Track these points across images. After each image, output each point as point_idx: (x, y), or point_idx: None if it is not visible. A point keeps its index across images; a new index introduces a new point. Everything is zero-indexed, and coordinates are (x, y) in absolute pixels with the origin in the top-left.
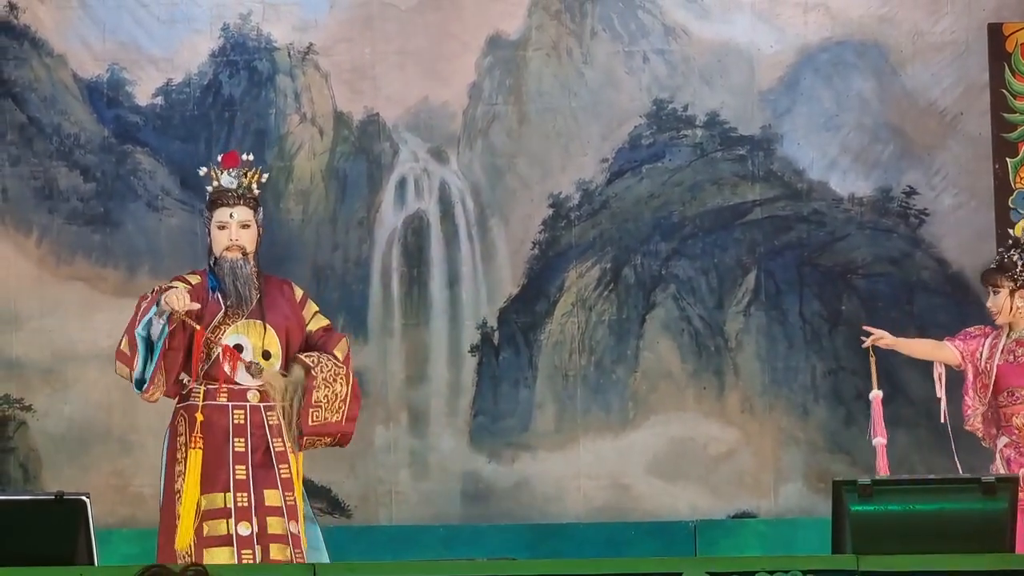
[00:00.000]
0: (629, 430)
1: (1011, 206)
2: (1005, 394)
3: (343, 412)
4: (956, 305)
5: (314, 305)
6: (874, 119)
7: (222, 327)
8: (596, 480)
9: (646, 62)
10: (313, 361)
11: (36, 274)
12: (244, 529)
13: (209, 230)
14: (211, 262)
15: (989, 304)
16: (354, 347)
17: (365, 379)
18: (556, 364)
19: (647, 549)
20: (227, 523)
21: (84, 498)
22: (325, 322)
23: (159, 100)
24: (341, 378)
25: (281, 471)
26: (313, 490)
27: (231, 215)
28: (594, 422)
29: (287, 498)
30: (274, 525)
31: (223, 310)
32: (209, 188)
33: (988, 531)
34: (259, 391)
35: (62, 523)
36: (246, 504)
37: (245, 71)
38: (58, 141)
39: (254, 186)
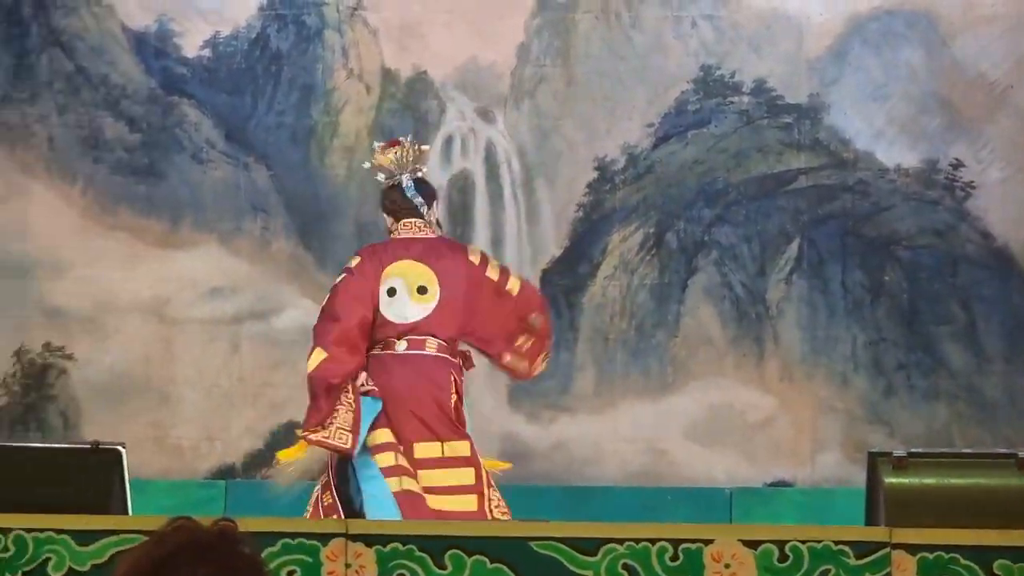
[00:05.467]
0: (668, 395)
1: None
2: None
3: None
4: (1000, 279)
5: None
6: (922, 90)
7: None
8: (633, 444)
9: (694, 27)
10: None
11: (80, 223)
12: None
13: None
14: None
15: None
16: None
17: None
18: (597, 327)
19: (682, 515)
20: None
21: (120, 448)
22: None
23: (206, 52)
24: None
25: None
26: None
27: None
28: (633, 386)
29: None
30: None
31: None
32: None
33: (1022, 507)
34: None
35: (97, 472)
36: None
37: (293, 25)
38: (105, 91)
39: None
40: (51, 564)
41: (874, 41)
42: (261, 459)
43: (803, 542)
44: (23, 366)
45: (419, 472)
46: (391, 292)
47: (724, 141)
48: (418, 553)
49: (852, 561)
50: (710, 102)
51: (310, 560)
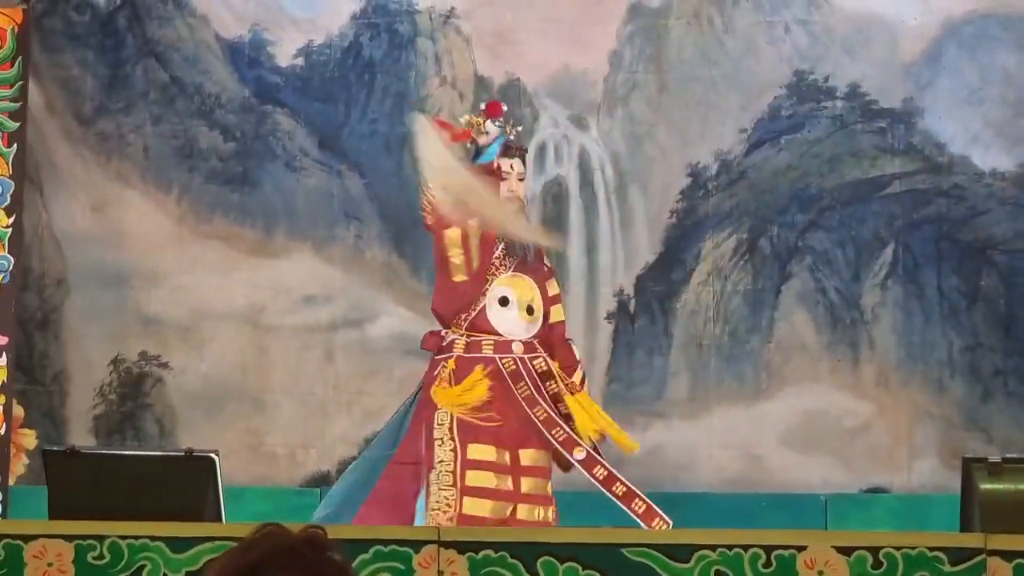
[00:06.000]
0: (762, 400)
1: None
2: None
3: None
4: None
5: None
6: (1018, 94)
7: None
8: (728, 450)
9: (787, 32)
10: None
11: (175, 232)
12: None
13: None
14: None
15: None
16: None
17: None
18: (691, 333)
19: (777, 521)
20: (493, 476)
21: (213, 455)
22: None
23: (299, 61)
24: None
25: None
26: None
27: (511, 166)
28: (727, 392)
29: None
30: (528, 484)
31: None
32: (479, 138)
33: None
34: (523, 343)
35: (192, 479)
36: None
37: (386, 33)
38: (199, 101)
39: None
40: (146, 571)
41: (969, 44)
42: None
43: (897, 548)
44: (119, 375)
45: None
46: None
47: (818, 146)
48: (510, 560)
49: (947, 568)
50: (803, 107)
51: (402, 567)
